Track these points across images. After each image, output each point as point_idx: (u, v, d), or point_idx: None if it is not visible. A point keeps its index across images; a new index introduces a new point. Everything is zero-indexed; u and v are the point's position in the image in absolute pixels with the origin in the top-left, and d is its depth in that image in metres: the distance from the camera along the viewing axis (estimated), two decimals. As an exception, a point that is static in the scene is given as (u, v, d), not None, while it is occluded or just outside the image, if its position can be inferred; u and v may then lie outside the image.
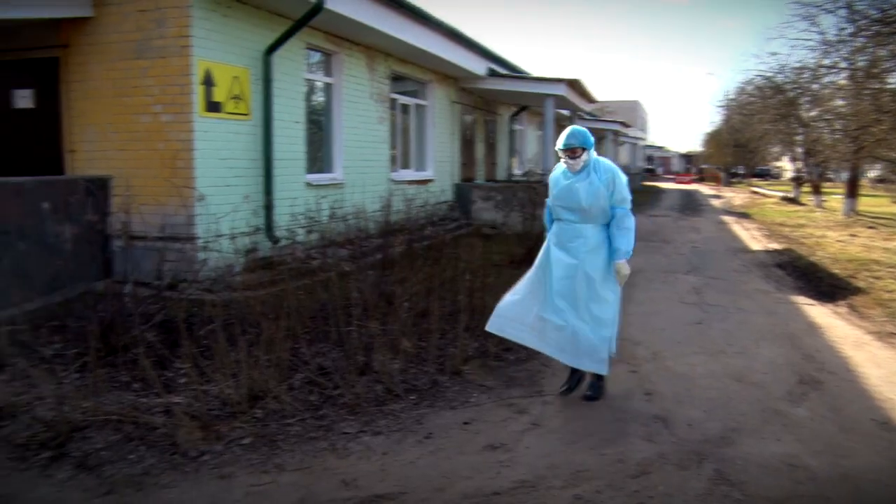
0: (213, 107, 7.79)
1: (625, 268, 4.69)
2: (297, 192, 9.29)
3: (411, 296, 6.15)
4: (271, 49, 8.54)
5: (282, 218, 8.76)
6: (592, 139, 4.69)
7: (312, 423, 4.37)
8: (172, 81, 7.58)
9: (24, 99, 8.60)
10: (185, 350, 5.00)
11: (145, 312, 5.84)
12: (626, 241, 4.66)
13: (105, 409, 4.39)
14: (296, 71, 9.37)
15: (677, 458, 3.97)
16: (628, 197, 4.71)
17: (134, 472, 3.77)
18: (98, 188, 7.67)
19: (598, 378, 4.89)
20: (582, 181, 4.67)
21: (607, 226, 4.74)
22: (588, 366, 4.77)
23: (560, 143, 4.66)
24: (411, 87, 13.77)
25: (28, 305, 6.28)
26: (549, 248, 4.85)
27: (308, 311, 5.96)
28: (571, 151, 4.64)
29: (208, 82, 7.70)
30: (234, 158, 8.16)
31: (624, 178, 4.71)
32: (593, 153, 4.73)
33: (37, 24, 7.97)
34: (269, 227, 8.55)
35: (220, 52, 7.87)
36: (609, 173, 4.68)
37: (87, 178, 7.69)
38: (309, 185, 9.67)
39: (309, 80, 9.95)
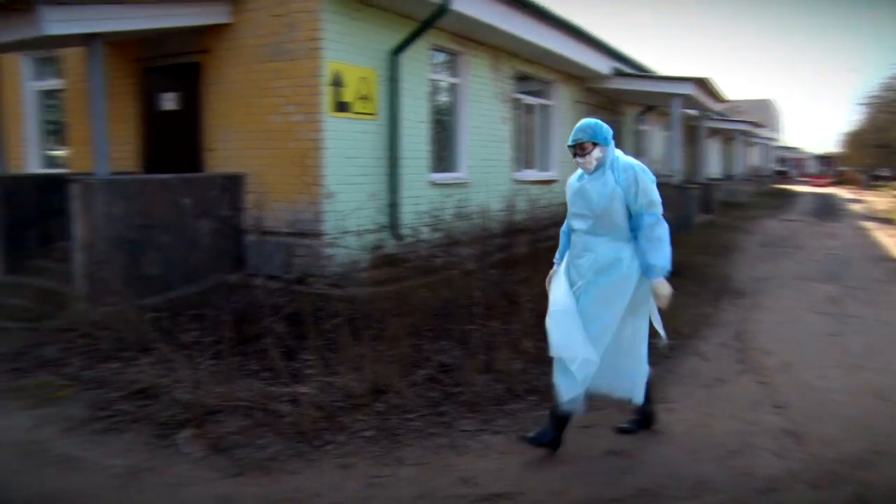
0: (341, 107, 8.03)
1: (664, 287, 3.88)
2: (421, 191, 9.44)
3: (533, 296, 6.10)
4: (397, 50, 8.72)
5: (406, 216, 8.92)
6: (608, 132, 3.94)
7: (433, 419, 4.42)
8: (303, 83, 7.87)
9: (169, 102, 9.22)
10: (312, 342, 5.21)
11: (275, 304, 6.09)
12: (659, 254, 3.85)
13: (237, 395, 4.63)
14: (421, 71, 9.53)
15: (810, 476, 3.72)
16: (657, 200, 3.88)
17: (262, 457, 3.96)
18: (233, 185, 8.10)
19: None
20: (596, 181, 3.92)
21: (631, 241, 3.92)
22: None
23: (569, 139, 3.95)
24: (535, 86, 13.68)
25: (169, 294, 6.73)
26: (558, 273, 4.13)
27: (431, 308, 6.04)
28: (580, 147, 3.90)
29: (337, 83, 7.95)
30: (360, 157, 8.38)
31: (650, 178, 3.90)
32: (613, 149, 3.95)
33: (182, 32, 8.51)
34: (393, 224, 8.74)
35: (348, 54, 8.11)
36: (629, 171, 3.88)
37: (223, 176, 8.14)
38: (433, 184, 9.80)
39: (433, 80, 10.07)
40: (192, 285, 6.82)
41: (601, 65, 14.37)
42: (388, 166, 8.77)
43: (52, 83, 11.06)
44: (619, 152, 3.99)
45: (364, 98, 8.38)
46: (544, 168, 14.00)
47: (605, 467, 3.84)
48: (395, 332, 5.18)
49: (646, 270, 3.88)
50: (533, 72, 12.95)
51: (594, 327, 3.84)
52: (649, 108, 20.00)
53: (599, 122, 3.97)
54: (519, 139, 12.74)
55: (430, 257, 7.73)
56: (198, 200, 7.53)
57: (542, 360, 5.33)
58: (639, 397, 4.06)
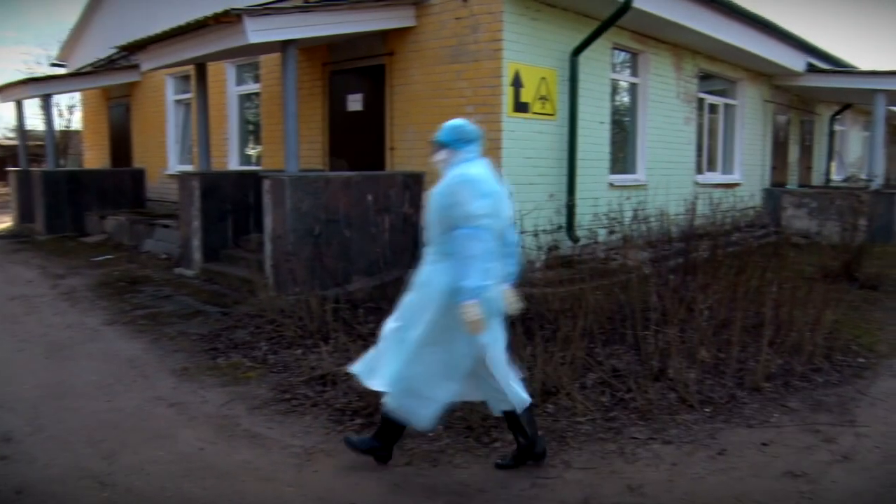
0: (520, 107, 8.06)
1: (469, 313, 3.28)
2: (599, 193, 9.27)
3: (712, 304, 5.79)
4: (578, 50, 8.61)
5: (583, 217, 8.79)
6: (464, 135, 3.57)
7: (602, 424, 4.32)
8: (484, 83, 7.98)
9: (355, 103, 9.69)
10: (483, 339, 5.23)
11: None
12: (465, 274, 3.28)
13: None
14: (601, 71, 9.35)
15: None
16: (475, 213, 3.31)
17: (431, 449, 4.04)
18: (413, 183, 8.35)
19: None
20: (436, 188, 3.52)
21: (446, 259, 3.45)
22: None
23: None
24: (720, 85, 13.01)
25: (349, 286, 7.06)
26: None
27: (605, 311, 5.90)
28: (435, 149, 3.57)
29: (517, 83, 7.99)
30: (538, 158, 8.36)
31: (477, 190, 3.34)
32: (461, 155, 3.55)
33: (369, 36, 8.93)
34: (570, 225, 8.64)
35: (528, 55, 8.12)
36: (453, 180, 3.42)
37: (404, 174, 8.42)
38: (611, 185, 9.59)
39: (614, 80, 9.86)
40: (371, 279, 7.10)
41: (793, 60, 13.39)
42: (566, 167, 8.69)
43: (250, 87, 12.02)
44: (474, 162, 3.56)
45: (543, 98, 8.36)
46: (728, 171, 13.30)
47: (784, 489, 3.56)
48: (567, 333, 5.10)
49: (453, 292, 3.36)
50: (718, 70, 12.33)
51: (403, 346, 3.56)
52: (846, 107, 18.41)
53: (461, 122, 3.65)
54: (701, 140, 12.18)
55: (606, 260, 7.56)
56: (379, 197, 7.85)
57: (719, 370, 5.08)
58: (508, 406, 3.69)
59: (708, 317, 5.61)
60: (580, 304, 5.63)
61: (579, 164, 8.78)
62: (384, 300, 6.42)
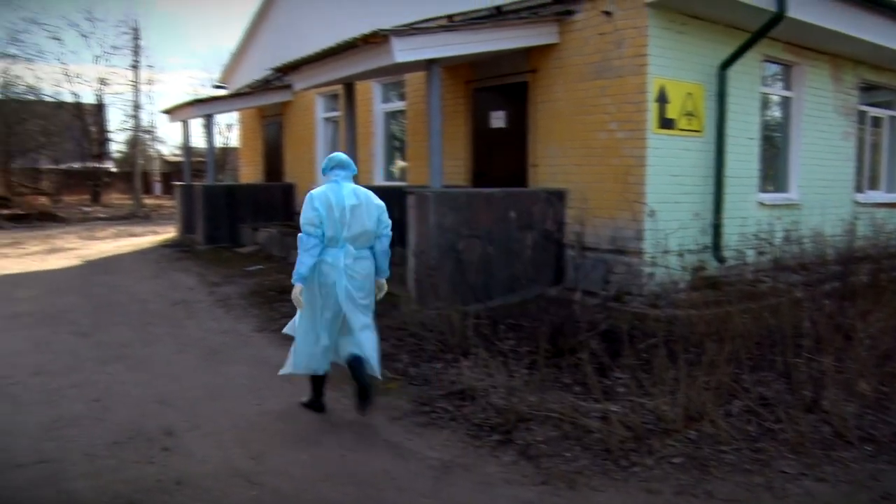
0: (665, 123, 7.94)
1: (294, 291, 4.84)
2: (747, 212, 8.94)
3: (874, 332, 5.46)
4: (726, 64, 8.36)
5: (730, 237, 8.51)
6: (329, 163, 5.02)
7: (748, 454, 4.19)
8: (628, 99, 7.92)
9: (498, 119, 9.87)
10: (626, 361, 5.22)
11: (591, 320, 6.19)
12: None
13: (547, 406, 4.80)
14: (751, 85, 9.03)
15: None
16: (302, 221, 4.83)
17: (568, 469, 4.06)
18: (556, 200, 8.41)
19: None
20: None
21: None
22: None
23: None
24: (885, 96, 12.16)
25: (490, 302, 7.18)
26: None
27: (753, 336, 5.71)
28: None
29: (662, 99, 7.87)
30: (683, 175, 8.19)
31: (308, 203, 4.82)
32: (333, 176, 5.00)
33: (512, 53, 9.07)
34: (716, 245, 8.40)
35: (673, 69, 7.98)
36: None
37: (546, 191, 8.50)
38: (761, 204, 9.23)
39: (764, 93, 9.47)
40: (511, 295, 7.20)
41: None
42: (712, 185, 8.46)
43: (396, 105, 12.49)
44: (331, 184, 4.94)
45: (689, 114, 8.20)
46: (893, 189, 12.42)
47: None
48: (713, 358, 4.99)
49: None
50: (883, 80, 11.57)
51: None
52: None
53: (331, 154, 5.07)
54: (862, 156, 11.46)
55: (754, 282, 7.29)
56: (521, 214, 7.96)
57: (881, 405, 4.80)
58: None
59: (868, 346, 5.31)
60: (727, 327, 5.49)
61: (727, 182, 8.51)
62: (525, 317, 6.51)
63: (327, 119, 14.84)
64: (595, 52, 8.27)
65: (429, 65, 8.05)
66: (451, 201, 7.63)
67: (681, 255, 7.34)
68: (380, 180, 12.76)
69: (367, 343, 4.98)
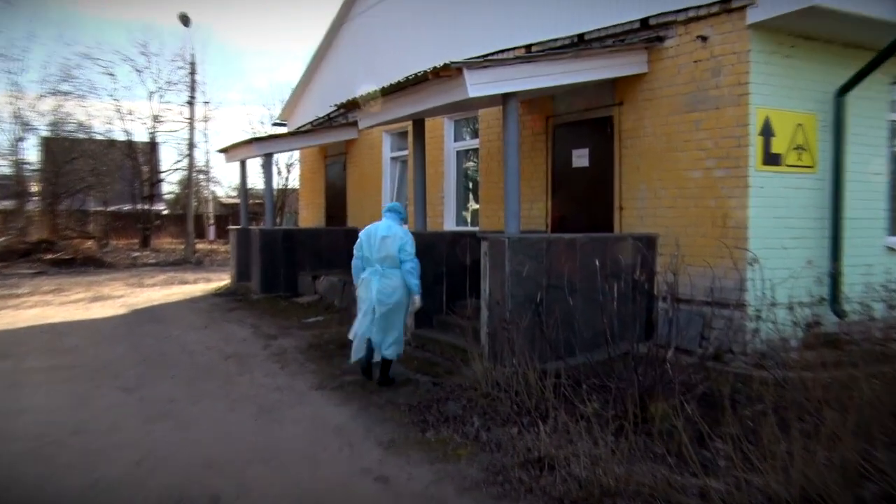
0: (771, 159, 7.69)
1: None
2: (872, 258, 8.51)
3: None
4: (844, 89, 8.05)
5: (852, 288, 8.11)
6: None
7: (884, 547, 3.88)
8: (727, 133, 7.73)
9: (580, 158, 9.78)
10: (728, 429, 4.95)
11: (686, 382, 6.00)
12: None
13: (637, 480, 4.59)
14: (875, 112, 8.67)
15: None
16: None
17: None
18: (645, 246, 8.22)
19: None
20: None
21: None
22: None
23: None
24: None
25: (572, 360, 7.01)
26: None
27: (885, 405, 5.35)
28: None
29: (767, 132, 7.65)
30: (792, 217, 7.90)
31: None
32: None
33: (596, 85, 9.02)
34: (834, 297, 8.01)
35: (780, 98, 7.76)
36: None
37: (635, 236, 8.31)
38: (890, 249, 8.77)
39: (894, 121, 9.09)
40: (596, 352, 7.02)
41: None
42: (828, 228, 8.11)
43: (468, 143, 12.56)
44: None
45: (799, 148, 7.93)
46: None
47: None
48: (834, 429, 4.68)
49: None
50: None
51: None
52: None
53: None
54: None
55: (884, 340, 6.89)
56: (606, 262, 7.79)
57: None
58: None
59: None
60: (851, 394, 5.16)
61: (846, 224, 8.15)
62: (611, 377, 6.31)
63: (395, 158, 15.05)
64: (689, 82, 8.14)
65: (505, 99, 8.05)
66: (528, 248, 7.55)
67: (791, 308, 7.06)
68: (451, 224, 12.78)
69: (393, 345, 7.65)
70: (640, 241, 8.25)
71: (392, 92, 9.21)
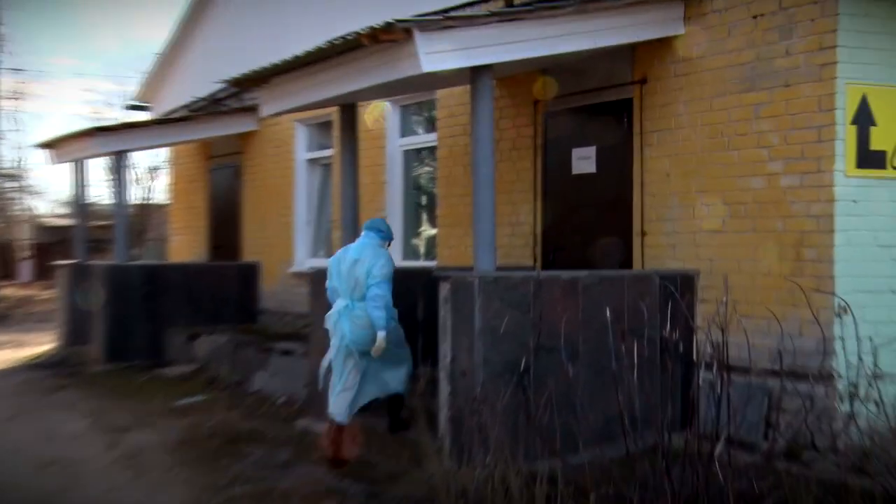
0: (869, 159, 7.69)
1: None
2: None
3: None
4: None
5: None
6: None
7: None
8: (801, 123, 7.74)
9: (584, 161, 9.76)
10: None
11: (745, 492, 5.99)
12: None
13: None
14: None
15: None
16: None
17: None
18: (678, 288, 8.07)
19: None
20: None
21: None
22: None
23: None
24: None
25: (573, 457, 6.91)
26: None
27: None
28: None
29: (864, 119, 7.65)
30: (904, 246, 7.91)
31: None
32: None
33: (607, 55, 9.03)
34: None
35: (884, 69, 7.77)
36: None
37: (663, 274, 8.25)
38: None
39: None
40: (608, 446, 6.93)
41: None
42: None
43: (421, 140, 12.58)
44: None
45: (915, 142, 7.95)
46: None
47: None
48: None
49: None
50: None
51: None
52: None
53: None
54: None
55: None
56: (621, 311, 7.70)
57: None
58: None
59: None
60: None
61: None
62: (631, 484, 6.22)
63: (313, 161, 15.06)
64: (745, 48, 8.17)
65: (475, 76, 7.97)
66: (509, 292, 7.49)
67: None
68: (396, 258, 12.61)
69: (392, 382, 8.57)
70: (671, 282, 8.16)
71: (310, 63, 9.09)
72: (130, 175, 28.47)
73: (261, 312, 15.42)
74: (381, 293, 8.05)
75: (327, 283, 8.51)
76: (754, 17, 8.10)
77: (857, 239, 7.65)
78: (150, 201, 35.88)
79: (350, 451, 8.09)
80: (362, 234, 8.61)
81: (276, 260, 15.08)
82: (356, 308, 8.12)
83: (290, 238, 14.84)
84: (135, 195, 33.73)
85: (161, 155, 31.27)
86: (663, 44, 8.83)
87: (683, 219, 8.68)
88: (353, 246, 8.51)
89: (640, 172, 9.12)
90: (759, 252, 8.03)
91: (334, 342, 8.31)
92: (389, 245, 8.69)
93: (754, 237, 8.08)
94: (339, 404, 8.23)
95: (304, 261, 14.49)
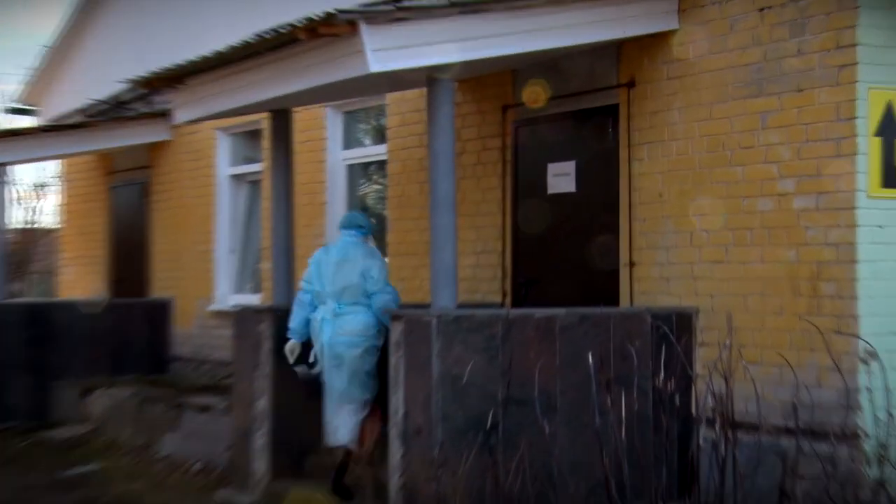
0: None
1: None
2: None
3: None
4: None
5: None
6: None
7: None
8: (816, 134, 7.80)
9: (561, 178, 9.86)
10: None
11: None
12: None
13: None
14: None
15: None
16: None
17: None
18: (673, 329, 8.18)
19: None
20: None
21: None
22: None
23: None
24: None
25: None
26: None
27: None
28: None
29: (889, 130, 7.71)
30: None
31: None
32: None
33: (588, 53, 9.18)
34: None
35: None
36: None
37: (656, 313, 8.33)
38: None
39: None
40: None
41: None
42: None
43: (369, 152, 12.66)
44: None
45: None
46: None
47: None
48: None
49: None
50: None
51: None
52: None
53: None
54: None
55: None
56: (607, 357, 7.74)
57: None
58: None
59: None
60: None
61: None
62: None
63: (238, 177, 15.13)
64: (750, 45, 8.28)
65: (432, 77, 8.04)
66: (473, 333, 7.54)
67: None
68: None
69: (342, 427, 8.79)
70: (665, 322, 8.27)
71: (235, 60, 9.05)
72: (10, 193, 28.03)
73: (173, 360, 15.34)
74: (391, 298, 8.73)
75: (303, 289, 9.02)
76: (760, 9, 8.20)
77: (883, 271, 7.72)
78: (36, 225, 35.47)
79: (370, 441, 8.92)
80: (340, 234, 9.16)
81: (193, 296, 15.04)
82: (346, 312, 8.63)
83: (209, 270, 14.81)
84: (16, 218, 33.21)
85: (50, 169, 30.96)
86: (654, 41, 8.95)
87: (679, 247, 8.78)
88: (333, 246, 9.21)
89: (629, 192, 9.21)
90: (769, 286, 8.11)
91: (320, 356, 8.78)
92: (373, 239, 9.32)
93: (763, 269, 8.16)
94: (339, 426, 8.77)
95: (227, 297, 14.50)
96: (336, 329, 8.56)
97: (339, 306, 8.64)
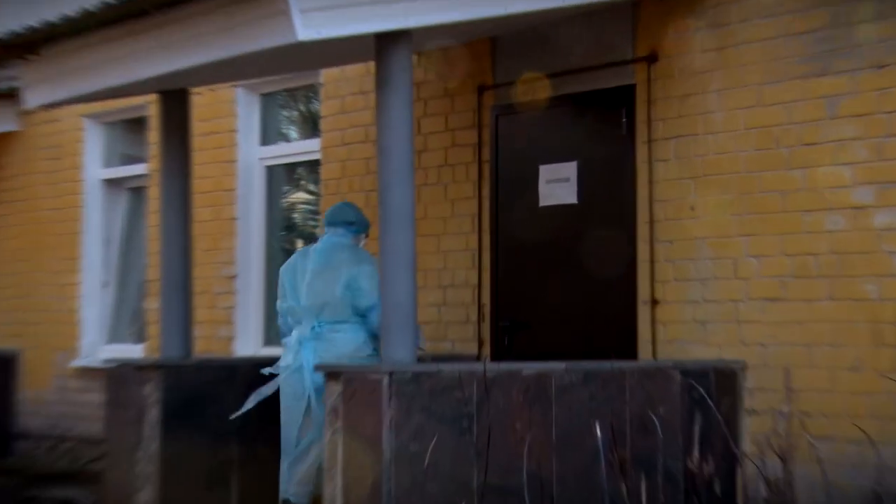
0: None
1: None
2: None
3: None
4: None
5: None
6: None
7: None
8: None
9: (557, 185, 9.85)
10: None
11: None
12: None
13: None
14: None
15: None
16: None
17: None
18: (715, 391, 8.23)
19: None
20: None
21: None
22: None
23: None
24: None
25: None
26: None
27: None
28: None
29: None
30: None
31: None
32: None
33: (591, 17, 9.19)
34: None
35: None
36: None
37: (687, 368, 8.33)
38: None
39: None
40: None
41: None
42: None
43: (296, 148, 12.74)
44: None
45: None
46: None
47: None
48: None
49: None
50: None
51: None
52: None
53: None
54: None
55: None
56: (621, 427, 7.79)
57: None
58: None
59: None
60: None
61: None
62: None
63: (114, 181, 15.16)
64: (811, 7, 8.31)
65: (383, 48, 7.99)
66: (439, 397, 7.54)
67: None
68: (253, 343, 12.73)
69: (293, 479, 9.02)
70: (700, 381, 8.29)
71: (109, 22, 9.02)
72: None
73: (19, 437, 15.29)
74: None
75: (278, 305, 9.41)
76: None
77: None
78: None
79: None
80: (325, 233, 9.36)
81: (50, 347, 15.00)
82: (330, 331, 8.85)
83: (73, 311, 14.77)
84: None
85: None
86: (681, 1, 8.99)
87: (718, 279, 8.78)
88: (314, 248, 9.33)
89: (649, 204, 9.22)
90: (841, 333, 8.11)
91: (287, 390, 8.97)
92: (366, 238, 9.42)
93: (832, 309, 8.16)
94: (297, 480, 8.95)
95: (98, 348, 14.52)
96: (319, 354, 8.64)
97: (318, 325, 8.83)
